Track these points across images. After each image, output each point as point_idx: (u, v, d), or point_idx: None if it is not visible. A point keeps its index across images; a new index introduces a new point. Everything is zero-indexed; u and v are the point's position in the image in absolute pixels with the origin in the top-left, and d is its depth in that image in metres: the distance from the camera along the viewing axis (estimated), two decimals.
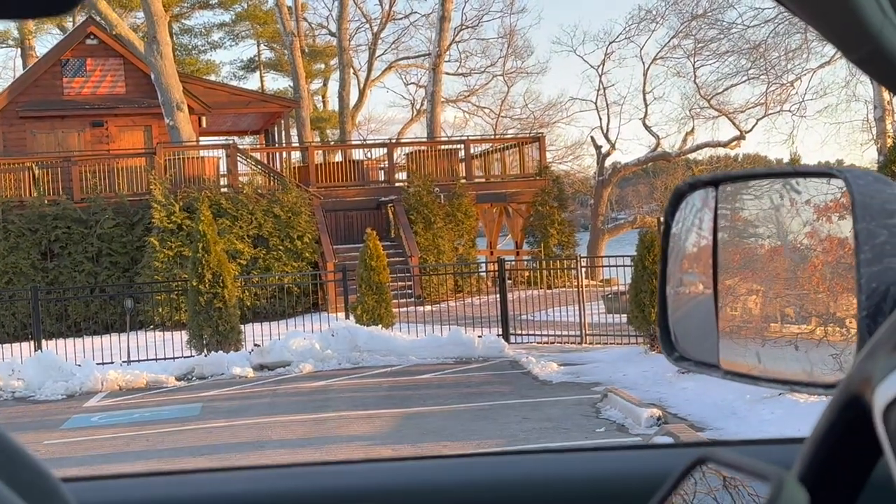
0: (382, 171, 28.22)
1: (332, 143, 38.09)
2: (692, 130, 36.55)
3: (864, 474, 0.75)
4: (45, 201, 23.57)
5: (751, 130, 35.58)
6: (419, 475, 1.32)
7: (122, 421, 12.28)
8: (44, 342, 17.88)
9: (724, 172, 1.19)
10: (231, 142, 27.91)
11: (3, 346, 18.97)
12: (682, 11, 35.48)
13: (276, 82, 48.11)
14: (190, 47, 45.54)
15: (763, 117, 35.34)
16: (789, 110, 35.10)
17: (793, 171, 1.14)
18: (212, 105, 28.62)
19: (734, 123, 35.57)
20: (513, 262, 24.75)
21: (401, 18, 41.37)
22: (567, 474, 1.31)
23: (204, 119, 28.51)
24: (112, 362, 16.48)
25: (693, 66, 36.10)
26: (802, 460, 0.76)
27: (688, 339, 1.21)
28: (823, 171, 1.06)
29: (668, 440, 8.38)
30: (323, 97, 46.36)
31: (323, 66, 44.80)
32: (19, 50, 39.57)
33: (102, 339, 18.15)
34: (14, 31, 37.08)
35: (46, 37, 38.05)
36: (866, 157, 34.07)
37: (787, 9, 0.83)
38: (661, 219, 1.22)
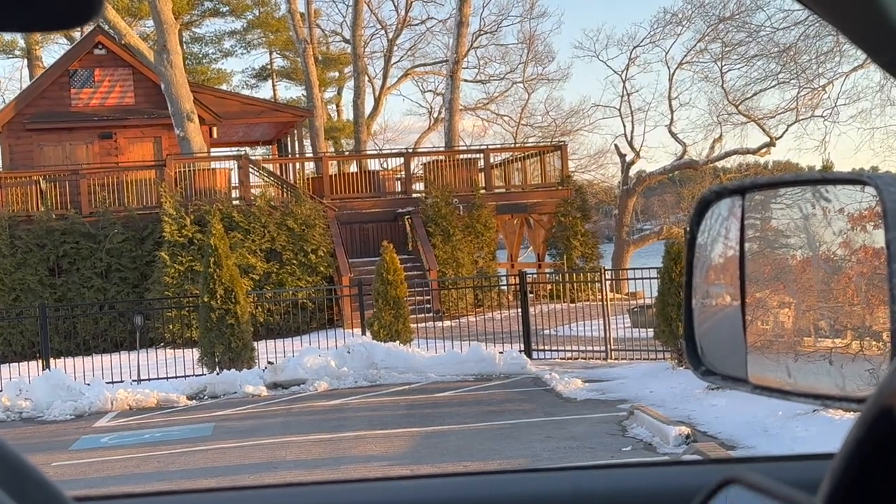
0: (399, 182, 28.26)
1: (347, 153, 38.17)
2: (720, 137, 36.52)
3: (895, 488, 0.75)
4: (53, 216, 23.64)
5: (781, 137, 35.52)
6: (438, 492, 1.33)
7: (132, 442, 12.30)
8: (52, 361, 17.91)
9: (751, 180, 1.19)
10: (243, 153, 27.99)
11: (11, 364, 19.07)
12: (708, 14, 35.48)
13: (289, 91, 48.31)
14: (200, 56, 45.71)
15: (794, 123, 35.30)
16: (821, 115, 35.05)
17: (822, 178, 1.14)
18: (223, 115, 28.68)
19: (764, 129, 35.48)
20: (535, 276, 24.73)
21: (417, 24, 41.49)
22: (592, 491, 1.31)
23: (215, 129, 28.58)
24: (122, 381, 16.53)
25: (720, 70, 36.09)
26: (830, 478, 0.76)
27: (715, 352, 1.21)
28: (855, 178, 1.06)
29: (697, 458, 8.35)
30: (337, 106, 46.50)
31: (337, 74, 44.92)
32: (26, 60, 39.82)
33: (112, 358, 18.18)
34: (20, 40, 37.31)
35: (53, 47, 38.22)
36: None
37: (813, 12, 0.84)
38: (687, 229, 1.21)
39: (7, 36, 36.88)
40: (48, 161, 26.13)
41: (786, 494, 0.53)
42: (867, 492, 0.76)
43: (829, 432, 8.72)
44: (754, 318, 1.18)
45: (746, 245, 1.19)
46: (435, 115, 41.44)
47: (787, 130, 35.60)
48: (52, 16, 0.56)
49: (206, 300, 17.30)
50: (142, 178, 24.82)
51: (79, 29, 28.10)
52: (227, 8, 44.48)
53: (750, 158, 36.77)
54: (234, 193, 24.96)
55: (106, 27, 26.43)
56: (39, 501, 0.68)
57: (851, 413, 0.97)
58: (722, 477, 0.56)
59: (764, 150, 35.72)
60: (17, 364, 18.96)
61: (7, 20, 0.58)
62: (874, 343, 1.05)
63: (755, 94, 35.67)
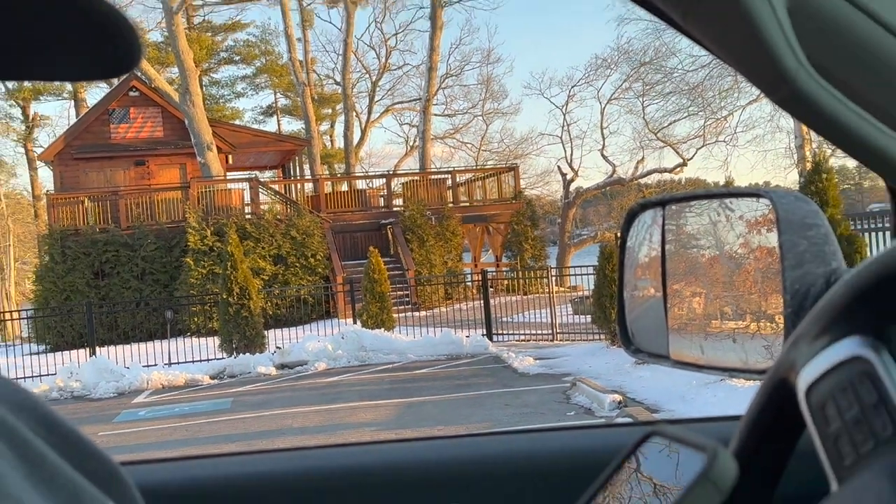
0: (382, 198, 28.19)
1: (339, 175, 38.04)
2: (642, 159, 36.62)
3: (791, 446, 0.76)
4: (97, 229, 23.53)
5: (692, 158, 35.65)
6: (417, 453, 1.32)
7: (165, 414, 12.23)
8: (97, 349, 17.81)
9: (669, 194, 1.20)
10: (253, 176, 27.86)
11: (63, 352, 18.90)
12: (632, 59, 35.62)
13: (291, 125, 48.11)
14: (217, 96, 45.47)
15: (701, 147, 35.42)
16: (723, 141, 35.22)
17: (727, 192, 1.15)
18: (237, 145, 28.60)
19: (678, 152, 35.62)
20: (494, 273, 24.72)
21: (395, 69, 41.43)
22: (542, 450, 1.31)
23: (230, 157, 28.47)
24: (155, 365, 16.45)
25: (642, 104, 36.21)
26: (738, 435, 0.77)
27: (642, 334, 1.21)
28: (753, 192, 1.07)
29: (628, 420, 8.38)
30: (330, 136, 46.35)
31: (330, 110, 44.78)
32: (73, 101, 39.43)
33: (147, 345, 18.08)
34: (69, 85, 36.94)
35: (95, 90, 37.77)
36: (789, 178, 34.21)
37: (716, 56, 0.85)
38: (618, 234, 1.22)
39: (56, 82, 36.42)
40: (92, 184, 25.96)
41: (699, 442, 0.53)
42: (768, 446, 0.76)
43: (734, 398, 8.78)
44: (673, 306, 1.19)
45: (666, 247, 1.19)
46: (411, 143, 41.33)
47: (696, 153, 35.74)
48: (99, 68, 0.56)
49: (224, 297, 17.24)
50: (170, 197, 24.71)
51: (116, 78, 27.90)
52: (239, 57, 44.30)
53: (667, 176, 36.90)
54: (247, 209, 24.84)
55: (139, 73, 26.29)
56: (93, 468, 0.67)
57: (752, 382, 0.97)
58: (646, 430, 0.54)
59: (678, 169, 35.86)
60: (68, 352, 18.81)
61: (62, 72, 0.58)
62: (769, 324, 1.05)
63: (670, 124, 35.81)
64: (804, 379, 0.70)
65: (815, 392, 0.69)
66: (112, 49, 0.53)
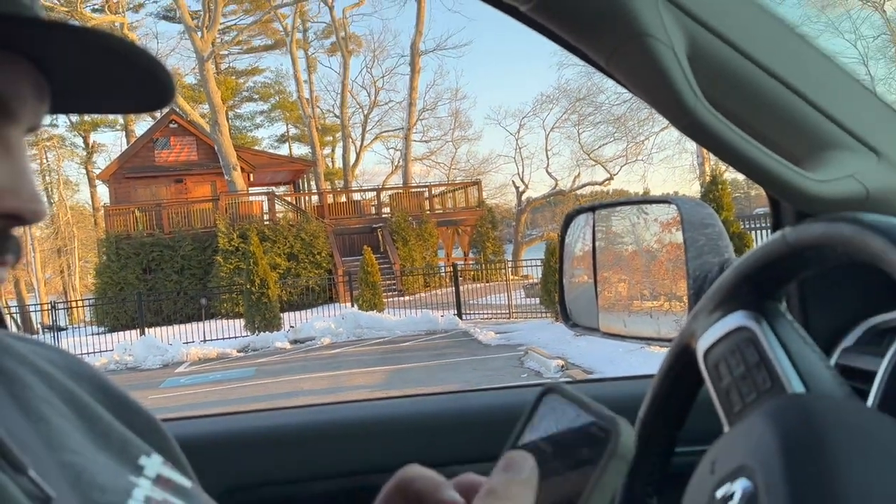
0: (373, 207, 28.06)
1: (339, 189, 37.82)
2: (578, 174, 36.70)
3: (692, 397, 0.77)
4: (145, 234, 23.27)
5: (617, 173, 35.79)
6: (406, 408, 1.32)
7: (201, 381, 12.14)
8: (146, 329, 17.66)
9: (598, 202, 1.20)
10: (270, 191, 27.70)
11: (118, 333, 18.74)
12: (570, 96, 35.69)
13: (300, 149, 47.62)
14: (240, 127, 44.98)
15: (625, 164, 35.58)
16: (642, 160, 35.41)
17: (642, 199, 1.16)
18: (256, 166, 28.40)
19: (606, 169, 35.75)
20: (462, 266, 24.71)
21: (382, 105, 41.16)
22: (495, 405, 1.32)
23: (251, 175, 28.25)
24: (193, 341, 16.31)
25: (578, 132, 36.26)
26: (652, 389, 0.77)
27: (578, 311, 1.22)
28: (662, 199, 1.08)
29: (569, 380, 8.41)
30: (332, 158, 45.98)
31: (331, 137, 44.42)
32: (124, 132, 38.92)
33: (186, 326, 17.95)
34: (121, 118, 36.50)
35: (142, 123, 37.29)
36: (693, 189, 34.36)
37: (633, 93, 0.85)
38: (559, 234, 1.22)
39: (111, 115, 36.20)
40: (140, 198, 25.68)
41: (596, 409, 0.50)
42: (675, 398, 0.77)
43: (651, 361, 8.84)
44: (603, 289, 1.19)
45: (596, 244, 1.20)
46: (395, 163, 41.10)
47: (620, 169, 35.85)
48: (144, 104, 0.57)
49: (248, 287, 17.14)
50: (203, 208, 24.47)
51: (158, 111, 27.65)
52: (258, 95, 43.93)
53: (598, 188, 36.97)
54: (265, 217, 24.65)
55: (177, 109, 26.09)
56: (139, 424, 0.67)
57: (664, 349, 0.98)
58: (543, 387, 0.52)
59: (606, 182, 35.95)
60: (122, 332, 18.66)
61: (115, 107, 0.59)
62: (677, 303, 1.06)
63: (600, 146, 35.92)
64: (702, 345, 0.71)
65: (711, 355, 0.70)
66: (153, 90, 0.54)
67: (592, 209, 1.21)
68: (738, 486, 0.56)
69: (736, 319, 0.69)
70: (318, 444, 1.26)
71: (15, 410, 0.55)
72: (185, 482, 0.62)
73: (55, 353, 0.66)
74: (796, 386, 0.64)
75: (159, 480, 0.59)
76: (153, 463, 0.61)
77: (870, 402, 0.77)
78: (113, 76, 0.52)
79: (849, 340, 0.97)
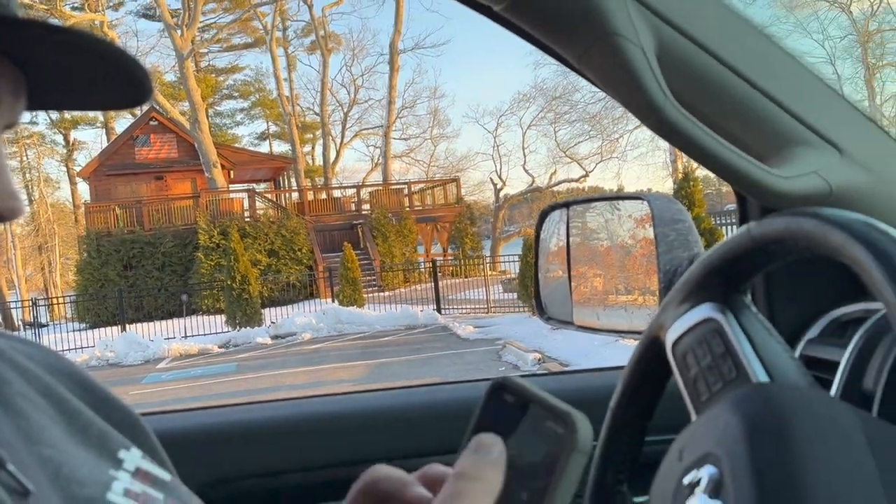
0: (353, 204, 27.97)
1: (319, 186, 37.67)
2: (555, 172, 36.80)
3: (661, 387, 0.77)
4: (125, 231, 23.07)
5: (592, 170, 35.88)
6: (379, 401, 1.33)
7: (183, 376, 12.06)
8: (127, 326, 17.52)
9: (572, 198, 1.21)
10: (251, 188, 27.54)
11: (99, 329, 18.57)
12: (546, 94, 35.77)
13: (280, 147, 47.27)
14: (220, 125, 44.58)
15: (600, 162, 35.70)
16: (616, 157, 35.55)
17: (615, 196, 1.17)
18: (237, 163, 28.26)
19: (581, 166, 35.86)
20: (441, 261, 24.72)
21: (362, 103, 40.99)
22: (471, 396, 1.32)
23: (232, 172, 28.09)
24: (174, 337, 16.18)
25: (554, 130, 36.39)
26: (623, 379, 0.78)
27: (553, 305, 1.22)
28: (634, 196, 1.08)
29: (545, 372, 8.44)
30: (312, 156, 45.70)
31: (311, 135, 44.20)
32: (104, 129, 38.46)
33: (167, 323, 17.80)
34: (101, 116, 36.06)
35: (122, 120, 36.82)
36: (665, 186, 34.64)
37: (605, 92, 0.85)
38: (535, 230, 1.23)
39: (91, 113, 35.81)
40: (120, 195, 25.45)
41: (537, 394, 0.48)
42: (645, 388, 0.78)
43: (625, 354, 8.87)
44: (578, 284, 1.20)
45: (570, 239, 1.20)
46: (375, 160, 40.95)
47: (595, 166, 35.99)
48: (122, 101, 0.57)
49: (229, 283, 17.04)
50: (184, 205, 24.29)
51: (138, 109, 27.50)
52: (237, 93, 43.62)
53: (574, 185, 37.11)
54: (246, 214, 24.52)
55: (157, 107, 25.86)
56: (119, 418, 0.67)
57: (637, 341, 0.98)
58: (493, 382, 0.50)
59: (582, 179, 36.09)
60: (103, 329, 18.50)
61: (94, 103, 0.59)
62: (651, 297, 1.07)
63: (576, 144, 36.03)
64: (671, 336, 0.72)
65: (679, 346, 0.71)
66: (131, 87, 0.54)
67: (567, 205, 1.21)
68: (705, 473, 0.57)
69: (703, 311, 0.69)
70: (297, 436, 1.26)
71: None
72: (164, 475, 0.62)
73: (34, 348, 0.66)
74: (761, 376, 0.65)
75: (138, 473, 0.59)
76: (132, 456, 0.61)
77: (833, 391, 0.79)
78: (90, 74, 0.52)
79: (812, 332, 0.99)
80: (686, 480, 0.58)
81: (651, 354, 0.74)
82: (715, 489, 0.56)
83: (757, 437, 0.55)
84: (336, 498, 1.22)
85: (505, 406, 0.50)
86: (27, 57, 0.50)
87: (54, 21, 0.47)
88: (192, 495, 0.63)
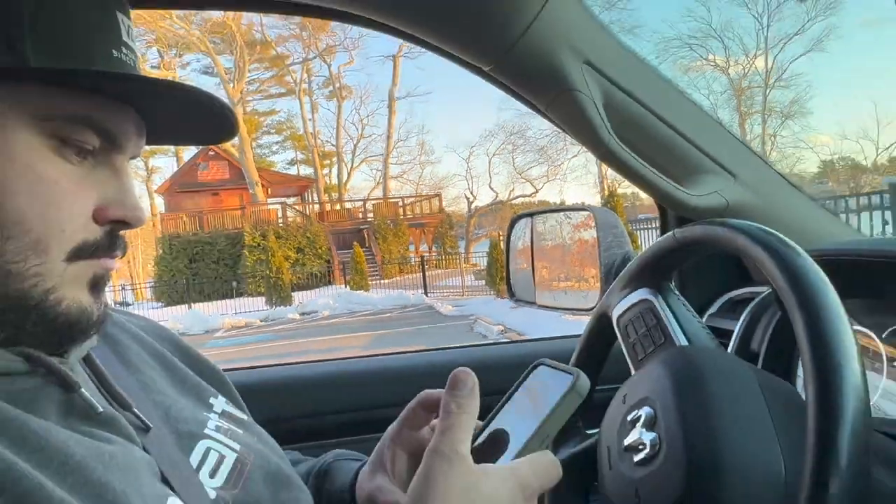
0: (361, 213, 27.85)
1: (335, 200, 37.38)
2: (513, 189, 36.67)
3: (608, 349, 0.78)
4: (190, 234, 22.78)
5: (541, 188, 35.83)
6: (385, 364, 1.33)
7: (234, 343, 11.94)
8: (192, 305, 17.33)
9: (535, 209, 1.22)
10: (283, 201, 27.33)
11: (171, 307, 18.39)
12: (506, 131, 35.64)
13: (305, 170, 46.59)
14: (260, 154, 43.68)
15: (546, 182, 35.69)
16: (559, 178, 35.74)
17: (569, 208, 1.17)
18: (272, 182, 28.03)
19: (532, 185, 35.72)
20: (428, 257, 24.65)
21: (367, 137, 40.65)
22: (458, 357, 1.32)
23: (269, 189, 27.86)
24: (227, 314, 16.02)
25: (513, 158, 36.38)
26: (579, 344, 0.79)
27: (520, 289, 1.23)
28: (580, 208, 1.09)
29: (507, 340, 8.45)
30: (329, 177, 45.19)
31: (329, 161, 43.58)
32: (175, 157, 37.99)
33: (221, 303, 17.62)
34: (172, 147, 35.56)
35: (188, 151, 36.50)
36: (595, 200, 34.68)
37: (565, 132, 0.86)
38: (507, 233, 1.23)
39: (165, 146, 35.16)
40: (186, 207, 25.13)
41: (565, 367, 0.52)
42: (595, 351, 0.79)
43: (563, 327, 8.90)
44: (537, 274, 1.21)
45: (533, 240, 1.21)
46: (377, 180, 40.69)
47: (543, 185, 35.98)
48: (212, 137, 0.56)
49: (267, 273, 16.93)
50: (233, 214, 23.99)
51: None
52: (273, 130, 43.18)
53: (527, 199, 37.06)
54: (280, 221, 24.30)
55: None
56: (207, 373, 0.67)
57: (583, 316, 0.99)
58: (536, 361, 0.53)
59: (533, 194, 36.01)
60: (174, 307, 18.31)
61: (194, 139, 0.58)
62: (584, 283, 1.08)
63: (528, 168, 36.02)
64: (616, 312, 0.73)
65: (622, 319, 0.72)
66: (224, 130, 0.54)
67: (530, 215, 1.22)
68: (643, 412, 0.58)
69: (640, 294, 0.70)
70: (327, 388, 1.26)
71: (118, 364, 0.55)
72: (242, 415, 0.62)
73: (144, 321, 0.66)
74: (682, 340, 0.66)
75: (224, 415, 0.60)
76: (219, 402, 0.61)
77: (730, 350, 0.80)
78: (195, 117, 0.52)
79: (713, 309, 1.00)
80: (629, 418, 0.59)
81: (601, 326, 0.75)
82: (650, 424, 0.57)
83: (680, 385, 0.57)
84: (356, 434, 1.22)
85: (540, 374, 0.53)
86: (148, 106, 0.50)
87: (166, 79, 0.47)
88: (262, 430, 0.63)
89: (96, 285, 0.48)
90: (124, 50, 0.48)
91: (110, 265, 0.49)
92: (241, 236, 22.67)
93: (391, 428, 0.60)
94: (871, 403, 0.64)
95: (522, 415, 0.50)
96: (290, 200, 34.62)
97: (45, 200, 0.44)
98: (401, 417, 0.60)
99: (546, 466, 0.46)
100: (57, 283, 0.45)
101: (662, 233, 0.96)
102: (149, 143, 0.54)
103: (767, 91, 27.35)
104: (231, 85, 25.77)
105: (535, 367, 0.54)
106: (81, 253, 0.46)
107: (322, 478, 0.66)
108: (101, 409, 0.46)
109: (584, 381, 0.49)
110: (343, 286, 18.96)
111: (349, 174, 41.26)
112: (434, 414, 0.58)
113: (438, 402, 0.50)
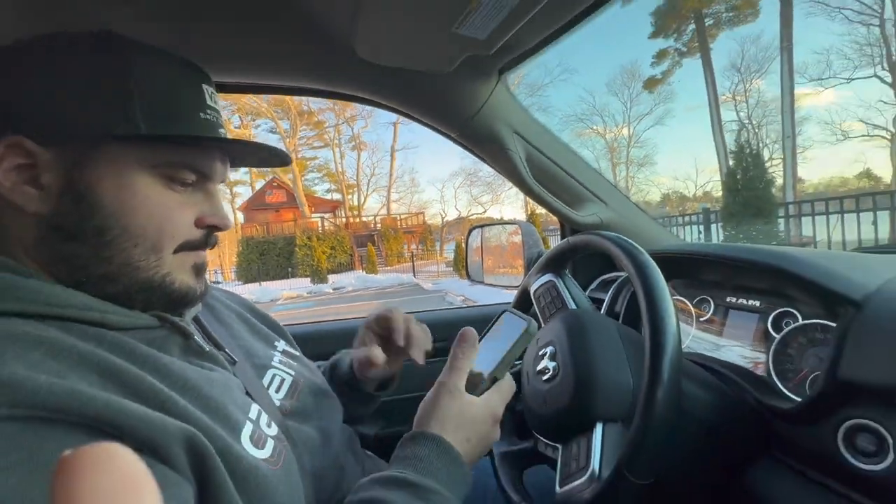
0: (373, 224, 27.53)
1: (355, 216, 36.76)
2: (470, 209, 36.72)
3: (527, 312, 0.78)
4: (260, 237, 22.19)
5: (490, 208, 35.80)
6: None
7: (291, 307, 11.69)
8: (262, 283, 16.88)
9: (484, 223, 1.21)
10: (322, 216, 26.85)
11: (248, 284, 17.87)
12: (466, 171, 35.48)
13: (336, 195, 45.80)
14: (307, 184, 42.11)
15: (492, 205, 35.71)
16: (500, 203, 35.64)
17: (506, 222, 1.18)
18: (315, 204, 27.46)
19: (483, 206, 35.80)
20: (415, 253, 24.47)
21: (377, 175, 40.03)
22: (438, 317, 1.28)
23: (313, 208, 27.30)
24: (285, 289, 15.68)
25: (470, 189, 36.30)
26: (511, 306, 0.79)
27: (474, 273, 1.22)
28: (514, 222, 1.10)
29: (464, 306, 8.41)
30: (352, 200, 44.48)
31: (352, 190, 43.01)
32: (250, 187, 36.90)
33: (281, 281, 17.22)
34: (248, 179, 34.58)
35: (259, 181, 35.48)
36: (522, 217, 34.81)
37: (501, 174, 0.87)
38: (466, 238, 1.22)
39: (245, 177, 34.24)
40: (259, 221, 24.51)
41: (522, 315, 0.50)
42: (520, 311, 0.79)
43: (504, 297, 8.91)
44: (485, 264, 1.21)
45: (483, 243, 1.21)
46: (383, 203, 40.22)
47: (491, 206, 35.75)
48: (277, 163, 0.54)
49: (311, 263, 16.58)
50: (289, 225, 23.48)
51: (272, 172, 26.27)
52: (315, 169, 41.83)
53: (481, 215, 36.87)
54: (319, 229, 23.82)
55: (278, 175, 24.91)
56: (275, 327, 0.65)
57: (513, 290, 0.99)
58: (503, 309, 0.51)
59: (483, 213, 36.02)
60: (250, 284, 17.80)
61: (262, 163, 0.56)
62: (514, 270, 1.08)
63: (481, 195, 35.98)
64: (533, 288, 0.73)
65: (537, 292, 0.72)
66: (282, 159, 0.53)
67: (482, 226, 1.22)
68: (548, 349, 0.59)
69: (547, 277, 0.72)
70: (347, 337, 1.21)
71: (215, 321, 0.54)
72: (296, 352, 0.62)
73: (229, 294, 0.65)
74: (572, 305, 0.68)
75: (284, 353, 0.59)
76: (281, 344, 0.61)
77: (602, 311, 0.82)
78: (264, 156, 0.51)
79: (593, 286, 1.02)
80: (539, 353, 0.61)
81: (524, 297, 0.76)
82: (553, 356, 0.58)
83: (571, 333, 0.58)
84: None
85: (505, 319, 0.52)
86: (232, 151, 0.50)
87: (245, 139, 0.47)
88: (309, 361, 0.63)
89: (198, 271, 0.48)
90: (209, 111, 0.47)
91: (205, 256, 0.49)
92: (293, 239, 22.18)
93: (365, 322, 0.61)
94: (684, 344, 0.67)
95: (492, 351, 0.50)
96: (327, 216, 33.92)
97: (159, 218, 0.44)
98: (372, 317, 0.61)
99: (506, 388, 0.48)
100: (170, 270, 0.45)
101: (562, 238, 0.98)
102: (233, 166, 0.54)
103: (629, 149, 28.13)
104: (287, 139, 25.20)
105: (503, 312, 0.54)
106: (185, 247, 0.46)
107: (333, 370, 0.68)
108: (207, 349, 0.46)
109: (534, 326, 0.49)
110: (361, 271, 18.72)
111: (365, 199, 40.40)
112: (383, 326, 0.58)
113: (387, 319, 0.51)
